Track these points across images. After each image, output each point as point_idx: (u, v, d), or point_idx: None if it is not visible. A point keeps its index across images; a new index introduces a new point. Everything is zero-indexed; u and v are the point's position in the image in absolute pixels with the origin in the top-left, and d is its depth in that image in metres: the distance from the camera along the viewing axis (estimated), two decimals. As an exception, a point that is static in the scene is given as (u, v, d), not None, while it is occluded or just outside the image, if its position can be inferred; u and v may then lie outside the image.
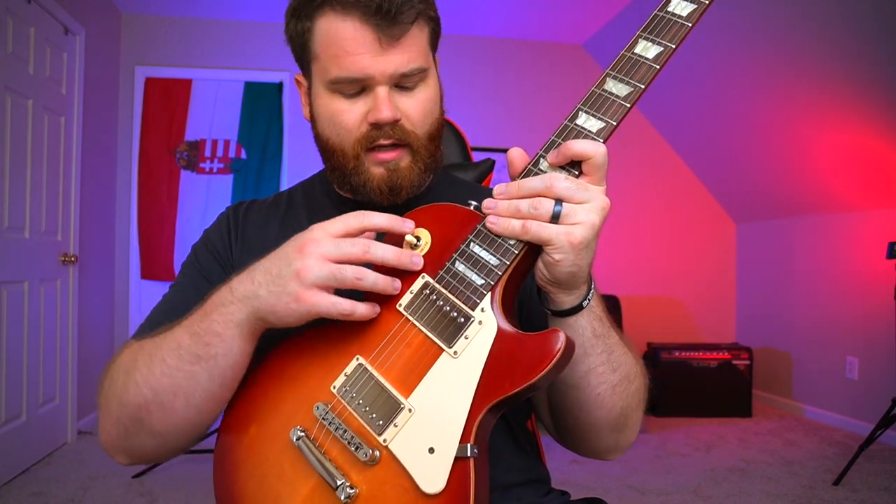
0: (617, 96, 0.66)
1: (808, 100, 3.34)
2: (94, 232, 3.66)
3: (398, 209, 0.83)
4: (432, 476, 0.60)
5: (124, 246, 4.02)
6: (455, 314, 0.65)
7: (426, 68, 0.78)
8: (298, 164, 4.13)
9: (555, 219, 0.62)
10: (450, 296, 0.66)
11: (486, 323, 0.64)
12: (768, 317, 4.39)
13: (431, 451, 0.61)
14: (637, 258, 4.55)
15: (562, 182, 0.62)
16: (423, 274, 0.68)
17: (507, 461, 0.82)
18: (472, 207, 0.68)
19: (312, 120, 0.83)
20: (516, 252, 0.65)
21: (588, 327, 0.69)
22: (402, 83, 0.77)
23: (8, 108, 2.70)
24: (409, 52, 0.75)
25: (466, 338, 0.64)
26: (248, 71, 4.13)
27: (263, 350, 0.73)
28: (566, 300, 0.68)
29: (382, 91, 0.75)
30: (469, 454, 0.60)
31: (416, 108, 0.78)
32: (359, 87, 0.76)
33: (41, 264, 3.03)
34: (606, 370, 0.71)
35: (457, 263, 0.66)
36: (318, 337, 0.72)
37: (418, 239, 0.69)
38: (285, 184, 4.14)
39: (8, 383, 2.72)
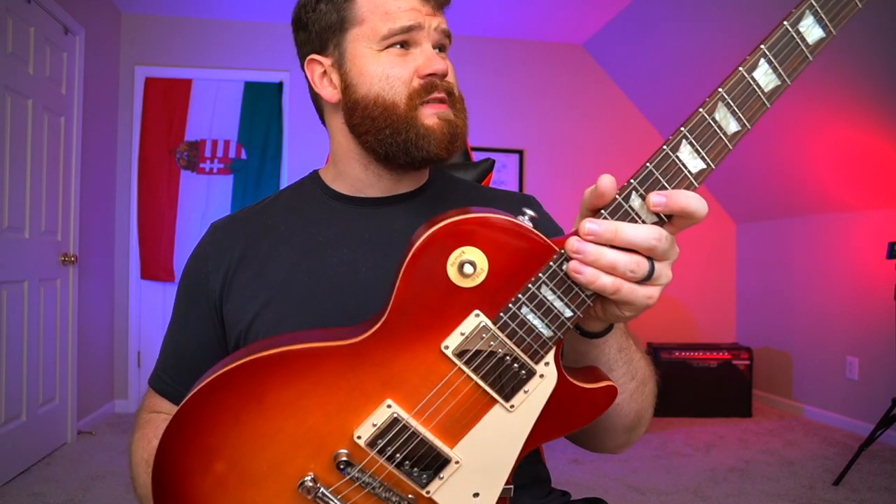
0: (725, 133, 0.58)
1: (809, 100, 3.34)
2: (94, 232, 3.66)
3: (418, 171, 0.86)
4: None
5: (124, 246, 4.02)
6: (517, 367, 0.58)
7: (451, 35, 0.84)
8: (298, 164, 4.13)
9: (646, 279, 0.56)
10: (513, 346, 0.57)
11: (547, 376, 0.59)
12: (768, 317, 4.39)
13: (476, 495, 0.60)
14: (637, 258, 4.55)
15: (664, 242, 0.55)
16: (478, 312, 0.57)
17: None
18: (526, 219, 0.58)
19: (348, 88, 0.81)
20: (590, 304, 0.58)
21: (614, 345, 0.69)
22: (441, 42, 0.82)
23: (8, 108, 2.70)
24: (444, 21, 0.83)
25: (526, 392, 0.59)
26: (248, 71, 4.13)
27: (240, 350, 0.65)
28: (600, 326, 0.66)
29: (429, 47, 0.80)
30: (509, 494, 0.61)
31: (451, 71, 0.83)
32: (406, 39, 0.79)
33: (41, 264, 3.03)
34: (626, 380, 0.71)
35: (522, 308, 0.57)
36: (330, 359, 0.59)
37: (473, 265, 0.56)
38: (285, 184, 4.14)
39: (8, 383, 2.72)
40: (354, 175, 0.86)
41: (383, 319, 0.58)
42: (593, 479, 2.85)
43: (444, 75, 0.80)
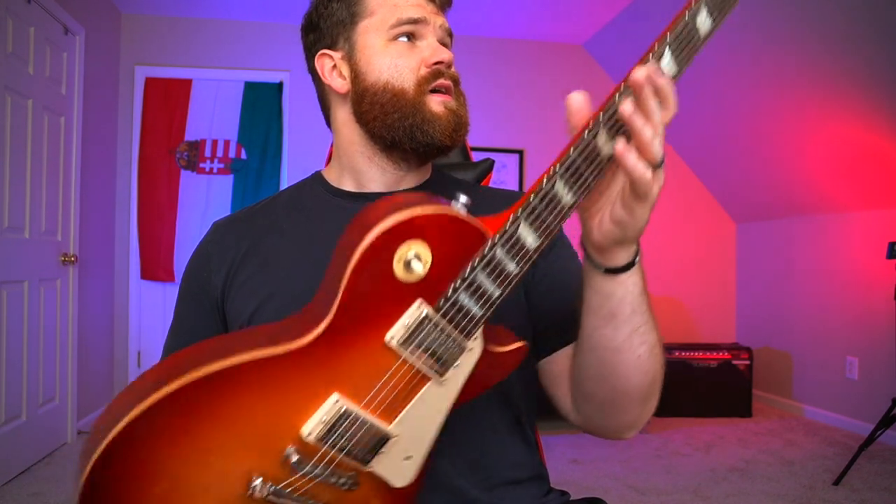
0: (699, 37, 0.61)
1: (809, 99, 3.34)
2: (94, 232, 3.66)
3: (423, 164, 0.89)
4: (406, 476, 0.65)
5: (124, 246, 4.02)
6: (453, 347, 0.61)
7: (453, 41, 0.89)
8: (298, 164, 4.13)
9: (658, 166, 0.58)
10: (451, 329, 0.60)
11: (475, 349, 0.63)
12: (768, 317, 4.39)
13: (408, 458, 0.64)
14: (637, 258, 4.55)
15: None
16: (420, 302, 0.59)
17: (514, 457, 0.83)
18: (460, 205, 0.59)
19: (358, 77, 0.85)
20: (516, 281, 0.60)
21: (639, 283, 0.68)
22: (444, 40, 0.86)
23: (8, 108, 2.70)
24: (447, 21, 0.88)
25: (457, 366, 0.62)
26: (248, 71, 4.13)
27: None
28: (622, 257, 0.66)
29: (434, 39, 0.84)
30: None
31: (453, 62, 0.87)
32: (413, 31, 0.83)
33: (41, 264, 3.03)
34: (648, 329, 0.71)
35: (461, 294, 0.59)
36: (276, 366, 0.58)
37: (419, 258, 0.58)
38: (285, 184, 4.14)
39: (8, 383, 2.72)
40: (358, 168, 0.88)
41: (329, 320, 0.58)
42: (593, 479, 2.85)
43: (450, 64, 0.85)
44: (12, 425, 2.75)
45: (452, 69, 0.86)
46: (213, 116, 4.09)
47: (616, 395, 0.73)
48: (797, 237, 4.14)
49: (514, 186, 4.40)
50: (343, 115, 0.88)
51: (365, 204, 0.81)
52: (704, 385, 3.96)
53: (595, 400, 0.76)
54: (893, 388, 3.27)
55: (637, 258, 0.67)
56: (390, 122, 0.82)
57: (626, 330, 0.69)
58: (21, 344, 2.84)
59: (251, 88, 4.11)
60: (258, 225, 0.89)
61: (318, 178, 0.94)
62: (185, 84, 4.07)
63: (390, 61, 0.83)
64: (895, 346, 3.34)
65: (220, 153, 4.09)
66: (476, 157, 1.52)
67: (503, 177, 4.39)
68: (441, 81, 0.83)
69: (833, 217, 3.86)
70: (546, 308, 0.83)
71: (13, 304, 2.77)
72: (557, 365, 0.81)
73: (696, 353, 3.98)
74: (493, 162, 1.33)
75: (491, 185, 1.21)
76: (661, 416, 3.90)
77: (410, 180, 0.89)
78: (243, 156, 4.10)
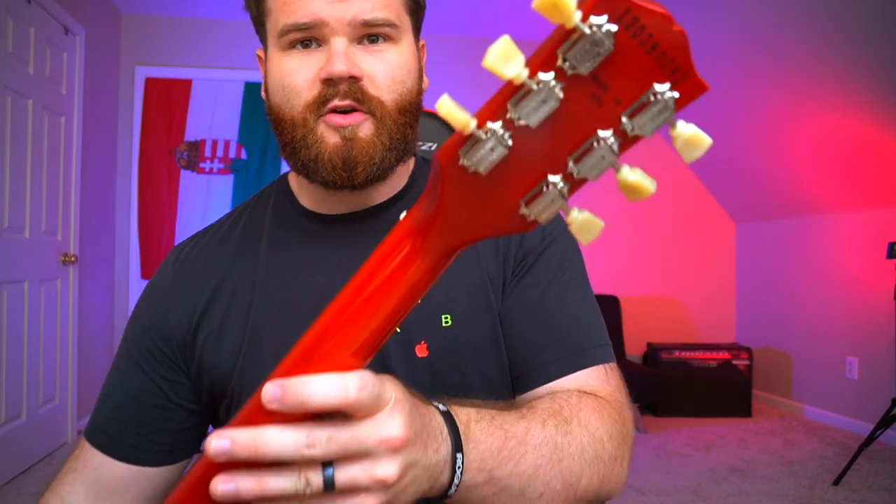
0: None
1: (809, 99, 3.34)
2: (94, 232, 3.66)
3: (355, 191, 0.68)
4: None
5: (124, 246, 4.02)
6: None
7: (396, 25, 0.65)
8: (298, 164, 4.13)
9: (329, 488, 0.39)
10: None
11: None
12: (768, 317, 4.39)
13: None
14: (637, 258, 4.55)
15: (325, 444, 0.39)
16: None
17: None
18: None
19: (265, 93, 0.70)
20: None
21: (473, 498, 0.51)
22: (366, 34, 0.64)
23: (8, 108, 2.70)
24: (374, 1, 0.64)
25: None
26: (248, 71, 4.13)
27: None
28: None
29: (339, 43, 0.63)
30: None
31: (381, 70, 0.65)
32: (307, 37, 0.64)
33: (41, 264, 3.03)
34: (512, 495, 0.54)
35: None
36: None
37: None
38: (285, 184, 4.15)
39: (8, 383, 2.72)
40: (306, 186, 0.74)
41: None
42: (593, 479, 2.85)
43: (350, 78, 0.63)
44: (12, 425, 2.75)
45: (363, 83, 0.64)
46: (214, 116, 4.09)
47: None
48: (797, 237, 4.14)
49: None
50: None
51: (332, 227, 0.72)
52: (704, 385, 3.96)
53: None
54: (893, 388, 3.27)
55: (453, 486, 0.47)
56: (287, 155, 0.68)
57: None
58: (21, 344, 2.84)
59: (251, 88, 4.11)
60: (223, 253, 0.76)
61: (284, 186, 0.79)
62: (185, 84, 4.07)
63: (279, 80, 0.66)
64: (895, 346, 3.34)
65: (220, 153, 4.09)
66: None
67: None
68: (335, 103, 0.63)
69: (833, 217, 3.86)
70: (520, 338, 0.70)
71: (13, 304, 2.77)
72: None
73: (696, 353, 3.98)
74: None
75: None
76: (661, 416, 3.90)
77: (370, 197, 0.73)
78: (243, 156, 4.10)
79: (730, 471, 2.96)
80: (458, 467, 0.47)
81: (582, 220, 0.34)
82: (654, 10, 0.31)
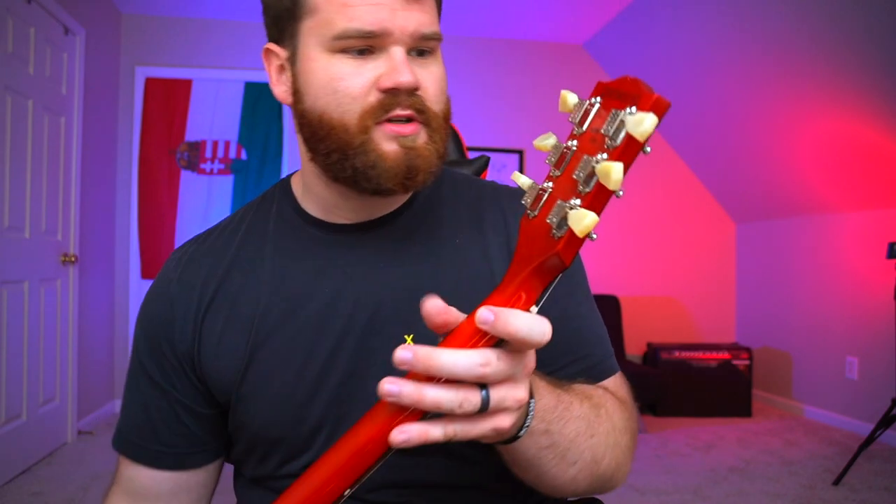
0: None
1: (809, 100, 3.34)
2: (94, 232, 3.66)
3: (387, 197, 0.70)
4: None
5: (124, 246, 4.02)
6: None
7: (441, 39, 0.67)
8: (298, 164, 4.12)
9: (482, 409, 0.46)
10: None
11: None
12: (768, 317, 4.39)
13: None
14: (637, 258, 4.55)
15: (496, 365, 0.45)
16: None
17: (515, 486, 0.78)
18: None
19: (297, 94, 0.68)
20: None
21: (531, 447, 0.56)
22: (420, 47, 0.65)
23: (8, 108, 2.70)
24: (429, 13, 0.65)
25: None
26: (248, 71, 4.13)
27: None
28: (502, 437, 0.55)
29: (400, 53, 0.63)
30: None
31: (432, 81, 0.66)
32: (367, 45, 0.63)
33: (41, 264, 3.03)
34: (561, 468, 0.60)
35: None
36: None
37: None
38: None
39: (8, 383, 2.72)
40: (318, 193, 0.73)
41: None
42: (593, 479, 2.85)
43: (414, 89, 0.64)
44: (12, 425, 2.75)
45: (426, 91, 0.65)
46: (214, 117, 4.09)
47: (546, 490, 0.65)
48: (797, 237, 4.15)
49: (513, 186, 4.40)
50: (296, 126, 0.72)
51: (337, 236, 0.73)
52: (704, 385, 3.96)
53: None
54: (893, 388, 3.27)
55: (522, 431, 0.54)
56: (331, 161, 0.66)
57: (531, 474, 0.60)
58: (21, 344, 2.84)
59: (251, 88, 4.12)
60: (224, 258, 0.75)
61: (287, 191, 0.78)
62: (185, 84, 4.07)
63: (328, 83, 0.64)
64: (895, 346, 3.34)
65: (220, 154, 4.09)
66: (472, 156, 1.53)
67: (503, 177, 4.39)
68: (397, 112, 0.63)
69: (833, 217, 3.86)
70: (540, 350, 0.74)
71: (13, 304, 2.77)
72: None
73: (696, 353, 3.99)
74: (489, 159, 1.33)
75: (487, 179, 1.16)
76: (661, 416, 3.90)
77: (385, 205, 0.73)
78: (244, 156, 4.10)
79: (730, 471, 2.96)
80: (531, 411, 0.53)
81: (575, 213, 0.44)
82: (616, 83, 0.45)
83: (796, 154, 3.73)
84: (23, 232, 2.87)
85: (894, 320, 3.34)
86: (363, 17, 0.61)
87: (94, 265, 3.66)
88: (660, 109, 0.42)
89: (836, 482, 2.75)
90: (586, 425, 0.60)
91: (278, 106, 4.13)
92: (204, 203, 4.04)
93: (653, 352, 4.06)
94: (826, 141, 3.49)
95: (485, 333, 0.45)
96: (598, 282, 4.36)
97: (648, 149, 0.43)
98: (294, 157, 4.15)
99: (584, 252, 0.92)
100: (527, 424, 0.53)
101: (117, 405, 3.98)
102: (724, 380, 3.97)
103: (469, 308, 0.63)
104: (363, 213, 0.73)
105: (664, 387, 3.87)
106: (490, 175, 1.35)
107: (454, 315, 0.47)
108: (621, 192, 0.44)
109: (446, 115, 0.68)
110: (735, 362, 3.98)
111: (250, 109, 4.11)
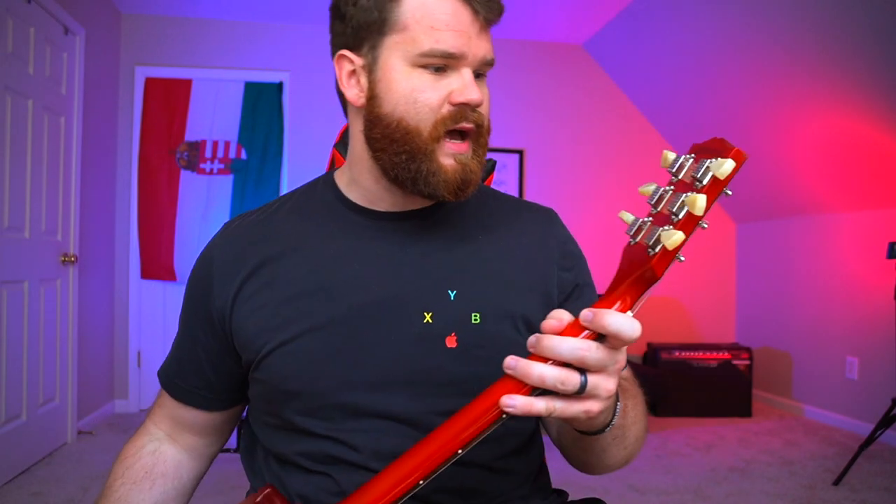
0: None
1: (809, 99, 3.34)
2: (94, 232, 3.66)
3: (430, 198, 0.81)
4: None
5: (124, 246, 4.02)
6: None
7: (494, 65, 0.79)
8: (299, 164, 4.13)
9: (580, 391, 0.56)
10: None
11: None
12: (768, 317, 4.39)
13: None
14: (637, 258, 4.55)
15: (595, 353, 0.55)
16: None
17: (518, 476, 0.82)
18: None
19: (374, 99, 0.76)
20: None
21: (608, 437, 0.71)
22: (481, 70, 0.77)
23: (8, 108, 2.70)
24: (490, 43, 0.77)
25: None
26: (248, 71, 4.13)
27: None
28: (596, 425, 0.67)
29: (469, 73, 0.74)
30: None
31: (486, 100, 0.78)
32: (445, 64, 0.73)
33: (41, 264, 3.02)
34: (617, 452, 0.75)
35: None
36: None
37: None
38: (285, 184, 4.14)
39: (8, 383, 2.72)
40: (366, 185, 0.82)
41: None
42: (593, 479, 2.85)
43: (478, 105, 0.75)
44: (12, 425, 2.75)
45: (482, 108, 0.76)
46: (214, 117, 4.09)
47: (594, 469, 0.81)
48: (797, 237, 4.15)
49: (514, 187, 4.40)
50: (357, 126, 0.80)
51: (375, 221, 0.83)
52: (704, 385, 3.96)
53: (574, 463, 0.84)
54: (893, 388, 3.27)
55: (609, 428, 0.68)
56: (398, 161, 0.75)
57: (594, 457, 0.76)
58: (21, 344, 2.84)
59: (251, 89, 4.11)
60: (267, 233, 0.83)
61: (329, 182, 0.87)
62: (185, 84, 4.07)
63: (410, 93, 0.73)
64: (895, 346, 3.34)
65: (220, 153, 4.09)
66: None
67: (503, 177, 4.39)
68: (463, 125, 0.74)
69: (833, 217, 3.86)
70: None
71: (13, 304, 2.77)
72: None
73: (696, 353, 3.98)
74: (495, 162, 1.33)
75: (492, 185, 1.19)
76: (661, 416, 3.90)
77: (420, 200, 0.82)
78: (243, 156, 4.10)
79: (730, 471, 2.96)
80: (618, 410, 0.67)
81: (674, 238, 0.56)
82: (707, 145, 0.59)
83: (796, 154, 3.73)
84: (23, 232, 2.87)
85: (894, 320, 3.34)
86: (448, 41, 0.72)
87: (94, 265, 3.66)
88: (739, 158, 0.55)
89: (837, 482, 2.75)
90: (635, 415, 0.75)
91: (278, 106, 4.13)
92: (204, 203, 4.03)
93: (653, 352, 4.06)
94: (826, 141, 3.49)
95: (587, 330, 0.56)
96: (598, 282, 4.34)
97: (730, 192, 0.56)
98: (294, 157, 4.15)
99: (586, 252, 0.94)
100: (613, 422, 0.66)
101: (117, 405, 3.98)
102: (724, 380, 3.97)
103: (480, 296, 0.80)
104: (401, 206, 0.82)
105: (664, 387, 3.86)
106: (493, 177, 1.35)
107: (567, 317, 0.58)
108: (706, 224, 0.57)
109: (489, 132, 0.80)
110: (735, 362, 3.98)
111: (250, 109, 4.11)
